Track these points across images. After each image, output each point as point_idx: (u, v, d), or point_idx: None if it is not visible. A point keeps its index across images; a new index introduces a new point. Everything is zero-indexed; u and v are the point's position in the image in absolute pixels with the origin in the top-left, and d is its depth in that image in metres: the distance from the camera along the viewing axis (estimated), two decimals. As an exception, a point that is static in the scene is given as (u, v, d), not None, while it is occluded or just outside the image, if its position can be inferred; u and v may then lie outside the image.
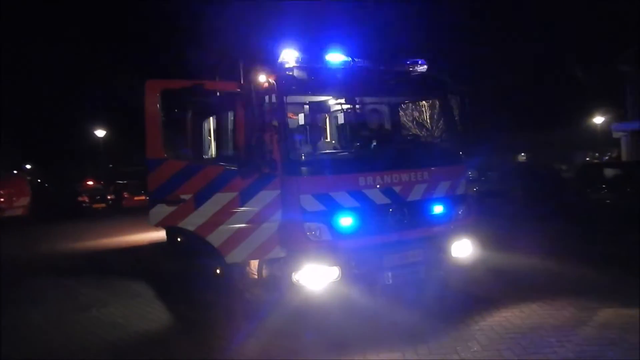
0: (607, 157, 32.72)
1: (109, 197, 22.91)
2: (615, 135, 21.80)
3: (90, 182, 25.17)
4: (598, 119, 32.45)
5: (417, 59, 6.03)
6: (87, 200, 21.94)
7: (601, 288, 6.11)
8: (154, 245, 11.62)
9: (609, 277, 6.65)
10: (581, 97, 33.48)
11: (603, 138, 31.46)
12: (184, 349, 4.93)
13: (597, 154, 34.06)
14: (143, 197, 22.13)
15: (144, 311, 6.22)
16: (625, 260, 7.47)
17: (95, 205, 22.04)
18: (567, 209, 12.76)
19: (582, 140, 36.87)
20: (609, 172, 13.54)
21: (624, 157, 20.72)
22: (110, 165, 36.13)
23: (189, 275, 7.30)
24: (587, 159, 37.04)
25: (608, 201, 12.33)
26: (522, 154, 41.94)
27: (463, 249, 5.74)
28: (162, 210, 4.99)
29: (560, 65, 34.41)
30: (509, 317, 5.24)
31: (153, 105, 4.93)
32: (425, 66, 6.08)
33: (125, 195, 24.30)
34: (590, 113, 33.22)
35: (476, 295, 5.95)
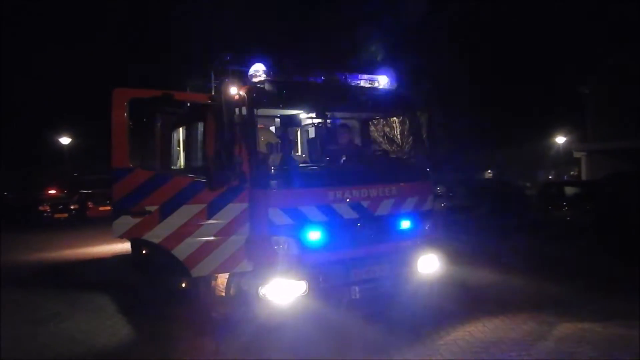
0: (565, 176, 33.97)
1: (72, 207, 22.06)
2: (576, 155, 22.73)
3: (53, 191, 24.20)
4: (560, 139, 33.72)
5: (387, 76, 6.17)
6: (48, 210, 21.09)
7: (561, 303, 6.31)
8: (118, 258, 11.30)
9: (569, 292, 6.88)
10: (545, 118, 34.83)
11: (565, 157, 32.72)
12: (145, 364, 4.80)
13: (571, 173, 34.86)
14: (108, 207, 21.48)
15: (105, 325, 6.02)
16: (584, 276, 7.76)
17: (57, 215, 21.16)
18: (531, 226, 13.18)
19: (545, 158, 38.24)
20: (569, 190, 14.09)
21: (583, 176, 21.59)
22: (75, 174, 35.02)
23: (154, 288, 7.13)
24: (550, 177, 38.39)
25: (568, 218, 12.81)
26: (489, 170, 43.10)
27: (429, 263, 5.83)
28: (127, 221, 4.87)
29: (526, 86, 35.75)
30: (473, 332, 5.34)
31: (120, 114, 4.83)
32: (395, 83, 6.22)
33: (90, 205, 23.49)
34: (553, 133, 34.51)
35: (442, 309, 6.03)
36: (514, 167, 38.44)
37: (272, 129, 6.77)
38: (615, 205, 11.68)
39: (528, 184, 28.77)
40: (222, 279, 5.58)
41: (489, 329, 5.42)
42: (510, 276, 7.74)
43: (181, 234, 4.94)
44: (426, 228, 5.94)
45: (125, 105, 4.85)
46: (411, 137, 6.74)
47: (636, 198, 11.38)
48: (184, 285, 6.04)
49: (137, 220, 4.86)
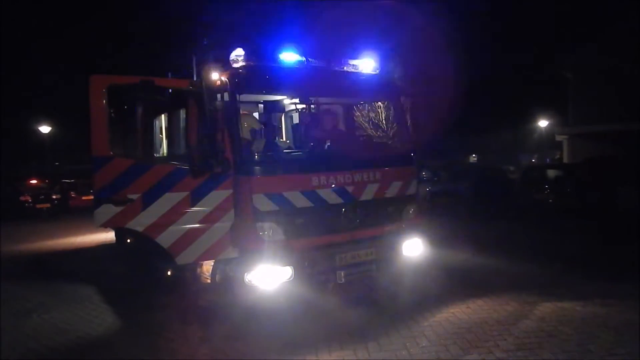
0: (548, 159, 34.46)
1: (54, 197, 21.70)
2: (558, 138, 23.04)
3: (34, 181, 23.76)
4: (543, 123, 34.14)
5: (371, 61, 6.14)
6: (30, 200, 20.73)
7: (542, 283, 6.45)
8: (103, 247, 11.20)
9: (550, 272, 7.03)
10: (528, 101, 35.20)
11: (548, 141, 33.18)
12: (130, 352, 4.78)
13: (556, 157, 35.03)
14: (91, 197, 21.11)
15: (90, 315, 5.98)
16: (565, 257, 7.93)
17: (39, 205, 20.81)
18: (514, 209, 13.39)
19: (528, 142, 38.74)
20: (551, 173, 14.31)
21: (565, 159, 21.92)
22: (57, 163, 34.41)
23: (139, 277, 7.09)
24: (533, 160, 38.93)
25: (550, 201, 13.03)
26: (473, 155, 43.57)
27: (414, 247, 5.88)
28: (109, 210, 4.81)
29: (508, 71, 35.99)
30: (456, 313, 5.43)
31: (98, 101, 4.74)
32: (378, 68, 6.20)
33: (72, 194, 23.18)
34: (536, 117, 34.91)
35: (426, 292, 6.10)
36: (498, 151, 38.90)
37: (256, 114, 6.71)
38: (588, 189, 11.93)
39: (511, 168, 29.15)
40: (208, 266, 5.57)
41: (473, 310, 5.52)
42: (492, 259, 7.88)
43: (165, 222, 4.90)
44: (411, 212, 5.98)
45: (104, 93, 4.76)
46: (395, 122, 6.74)
47: (608, 182, 11.65)
48: (169, 273, 6.02)
49: (119, 208, 4.81)
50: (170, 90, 5.23)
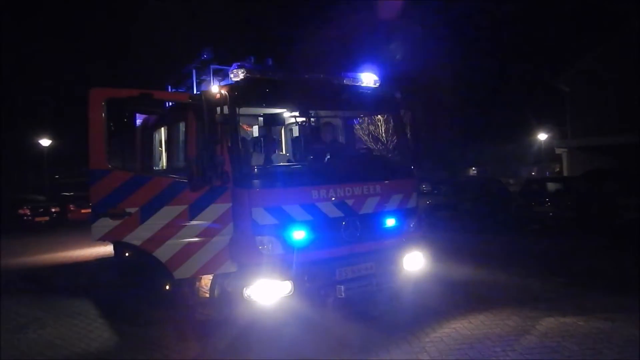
0: (548, 172, 34.41)
1: (53, 210, 21.65)
2: (558, 151, 23.06)
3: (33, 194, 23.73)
4: (542, 136, 34.16)
5: (371, 74, 6.15)
6: (28, 213, 20.68)
7: (543, 297, 6.38)
8: (101, 261, 11.10)
9: (551, 286, 6.95)
10: (527, 115, 35.29)
11: (547, 154, 33.19)
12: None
13: (556, 170, 34.74)
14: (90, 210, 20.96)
15: (86, 330, 5.89)
16: (566, 270, 7.86)
17: (38, 219, 20.78)
18: (514, 222, 13.34)
19: (528, 155, 38.74)
20: (551, 186, 14.27)
21: (565, 172, 21.91)
22: (56, 176, 34.36)
23: (137, 291, 7.01)
24: (533, 173, 38.88)
25: (551, 214, 12.99)
26: (473, 168, 43.57)
27: (414, 261, 5.83)
28: (106, 224, 4.77)
29: (508, 83, 36.20)
30: (458, 328, 5.35)
31: (97, 114, 4.72)
32: (379, 81, 6.21)
33: (72, 207, 23.13)
34: (536, 130, 34.94)
35: (427, 307, 6.04)
36: (498, 164, 38.91)
37: (256, 128, 6.71)
38: (592, 202, 11.89)
39: (511, 181, 29.11)
40: (206, 280, 5.51)
41: (474, 325, 5.44)
42: (493, 272, 7.81)
43: (163, 235, 4.85)
44: (411, 225, 5.94)
45: (103, 105, 4.74)
46: (395, 135, 6.72)
47: (609, 195, 11.61)
48: (167, 287, 5.95)
49: (116, 222, 4.77)
50: (169, 104, 5.24)
